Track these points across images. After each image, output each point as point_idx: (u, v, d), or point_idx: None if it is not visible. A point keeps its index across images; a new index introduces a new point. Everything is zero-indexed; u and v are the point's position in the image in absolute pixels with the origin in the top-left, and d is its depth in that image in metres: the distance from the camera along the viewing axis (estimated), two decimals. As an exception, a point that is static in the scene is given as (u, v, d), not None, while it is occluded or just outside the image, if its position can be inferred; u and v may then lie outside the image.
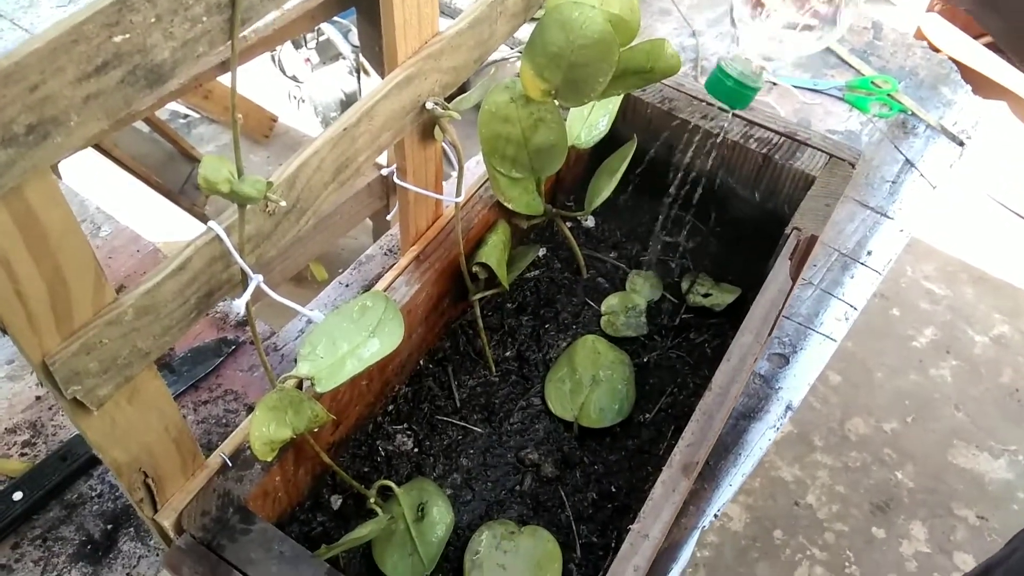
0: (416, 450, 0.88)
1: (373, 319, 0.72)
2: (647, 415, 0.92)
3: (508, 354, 0.97)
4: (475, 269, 0.86)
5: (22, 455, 0.91)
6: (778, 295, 0.85)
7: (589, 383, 0.93)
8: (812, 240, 0.89)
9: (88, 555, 0.83)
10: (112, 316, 0.52)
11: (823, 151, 0.98)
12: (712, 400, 0.76)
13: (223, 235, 0.57)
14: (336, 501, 0.83)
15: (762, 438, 0.96)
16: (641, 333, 1.00)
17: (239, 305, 0.56)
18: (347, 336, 0.70)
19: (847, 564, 1.89)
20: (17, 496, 0.84)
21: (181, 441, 0.65)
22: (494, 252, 0.88)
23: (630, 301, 1.02)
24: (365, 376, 0.82)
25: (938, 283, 2.37)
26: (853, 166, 0.96)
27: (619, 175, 0.92)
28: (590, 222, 1.12)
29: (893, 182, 1.27)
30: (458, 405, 0.92)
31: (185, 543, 0.65)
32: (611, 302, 1.02)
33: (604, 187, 0.94)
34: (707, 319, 1.02)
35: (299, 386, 0.70)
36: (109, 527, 0.84)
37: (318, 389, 0.67)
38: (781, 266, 0.87)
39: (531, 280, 1.04)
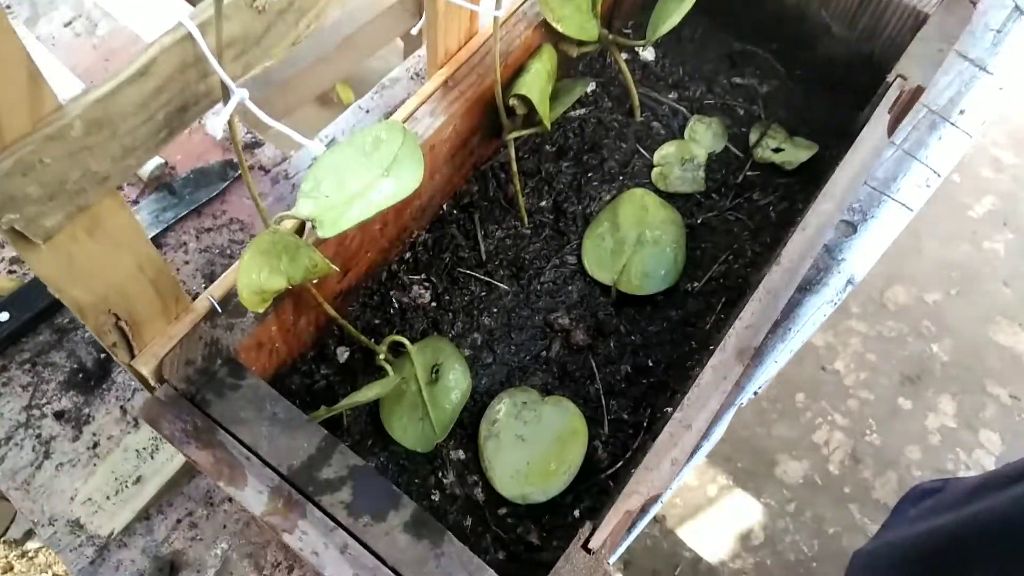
0: (434, 304, 0.80)
1: (388, 155, 0.61)
2: (695, 284, 0.82)
3: (543, 204, 0.86)
4: (512, 102, 0.74)
5: (10, 272, 0.84)
6: (870, 155, 0.72)
7: (633, 243, 0.82)
8: (917, 92, 0.74)
9: (80, 384, 0.77)
10: (54, 130, 0.42)
11: (945, -18, 0.81)
12: (779, 276, 0.65)
13: (196, 33, 0.45)
14: (343, 354, 0.76)
15: (817, 312, 0.86)
16: (697, 189, 0.88)
17: (215, 126, 0.45)
18: (357, 173, 0.60)
19: (868, 432, 1.86)
20: (3, 316, 0.78)
21: (160, 282, 0.56)
22: (536, 83, 0.75)
23: (688, 152, 0.89)
24: (379, 220, 0.72)
25: (1006, 150, 2.17)
26: (975, 4, 0.80)
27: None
28: (649, 54, 0.97)
29: (998, 31, 1.08)
30: (483, 258, 0.82)
31: (165, 394, 0.58)
32: (666, 151, 0.90)
33: (672, 13, 0.78)
34: (775, 178, 0.89)
35: (300, 229, 0.61)
36: (102, 356, 0.78)
37: (320, 233, 0.57)
38: (878, 121, 0.74)
39: (576, 120, 0.91)
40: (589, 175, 0.88)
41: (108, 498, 0.70)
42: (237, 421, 0.58)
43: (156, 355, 0.59)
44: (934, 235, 2.04)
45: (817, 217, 0.69)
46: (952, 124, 0.99)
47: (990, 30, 1.08)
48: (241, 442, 0.57)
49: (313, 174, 0.59)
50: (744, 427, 1.70)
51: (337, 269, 0.55)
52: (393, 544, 0.55)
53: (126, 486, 0.71)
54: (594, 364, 0.77)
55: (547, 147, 0.89)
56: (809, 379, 1.81)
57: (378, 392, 0.66)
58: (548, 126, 0.76)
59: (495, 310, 0.80)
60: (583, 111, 0.92)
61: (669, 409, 0.69)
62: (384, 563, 0.54)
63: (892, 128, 0.75)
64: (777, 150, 0.90)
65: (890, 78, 0.75)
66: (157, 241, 0.85)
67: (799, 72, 0.95)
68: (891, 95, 0.74)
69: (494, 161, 0.87)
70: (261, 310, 0.57)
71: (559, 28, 0.75)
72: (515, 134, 0.77)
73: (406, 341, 0.72)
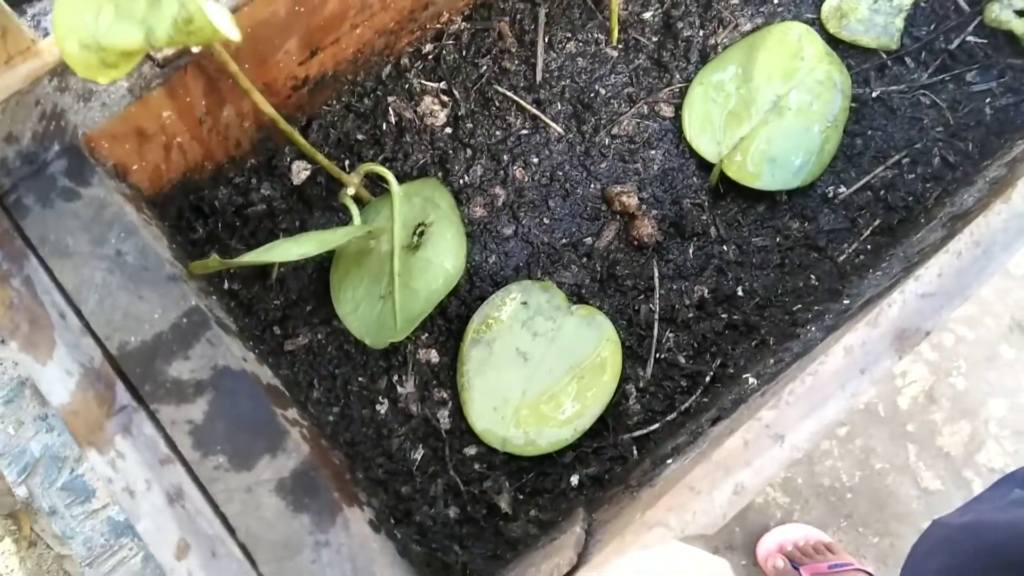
0: (448, 131, 0.55)
1: None
2: (842, 189, 0.55)
3: (647, 16, 0.58)
4: None
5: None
6: None
7: (766, 107, 0.55)
8: None
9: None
10: None
11: None
12: (1005, 221, 0.39)
13: None
14: (301, 171, 0.53)
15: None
16: (887, 46, 0.58)
17: None
18: None
19: (955, 372, 1.62)
20: None
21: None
22: None
23: (888, -16, 0.59)
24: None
25: None
26: None
27: None
28: None
29: None
30: (537, 79, 0.56)
31: (-42, 184, 0.37)
32: (855, -24, 0.59)
33: None
34: (1008, 56, 0.59)
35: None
36: None
37: None
38: None
39: None
40: (728, -13, 0.59)
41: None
42: (61, 251, 0.36)
43: (-40, 114, 0.37)
44: None
45: (1099, 134, 0.40)
46: None
47: None
48: (59, 286, 0.36)
49: None
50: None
51: (231, 38, 0.31)
52: (254, 509, 0.35)
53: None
54: (657, 273, 0.53)
55: (676, -70, 0.60)
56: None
57: (318, 246, 0.44)
58: None
59: (536, 160, 0.55)
60: None
61: (750, 378, 0.45)
62: (232, 534, 0.34)
63: None
64: (1022, 13, 0.59)
65: None
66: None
67: None
68: None
69: (591, -66, 0.59)
70: (105, 81, 0.33)
71: None
72: None
73: (390, 176, 0.49)
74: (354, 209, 0.49)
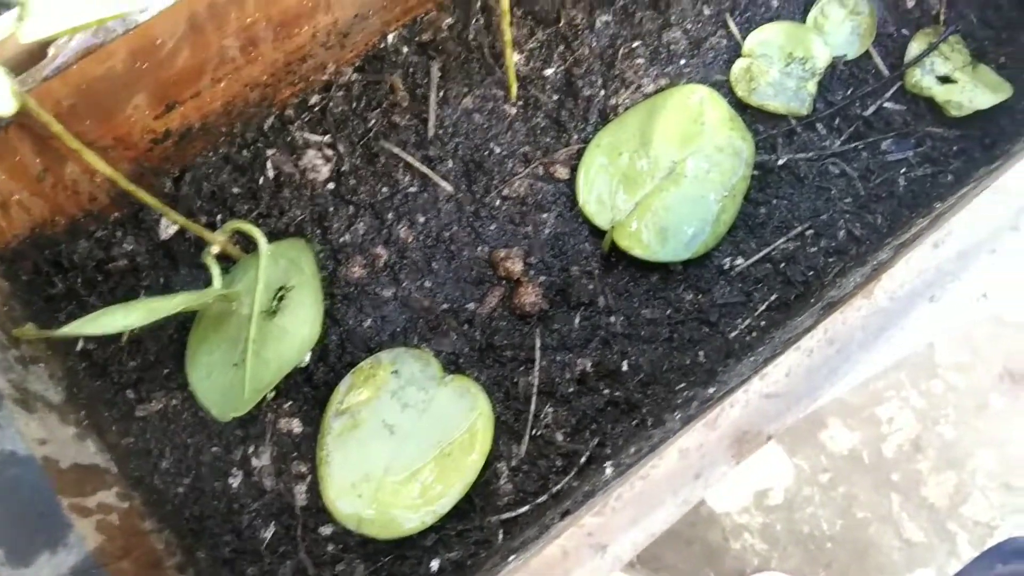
0: (331, 186, 0.54)
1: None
2: (740, 260, 0.54)
3: (549, 73, 0.57)
4: None
5: None
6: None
7: (663, 174, 0.53)
8: None
9: None
10: None
11: None
12: (864, 317, 0.37)
13: None
14: (168, 226, 0.52)
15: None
16: (796, 111, 0.57)
17: None
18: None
19: (942, 421, 1.60)
20: None
21: None
22: None
23: (803, 46, 0.58)
24: (233, 30, 0.45)
25: None
26: None
27: None
28: None
29: None
30: (429, 134, 0.55)
31: None
32: (767, 36, 0.58)
33: None
34: (928, 124, 0.58)
35: None
36: None
37: (22, 33, 0.31)
38: None
39: (643, -49, 0.60)
40: (634, 45, 0.58)
41: None
42: None
43: None
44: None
45: (970, 227, 0.39)
46: None
47: None
48: None
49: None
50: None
51: (3, 112, 0.30)
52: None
53: None
54: (539, 343, 0.51)
55: (584, -17, 0.59)
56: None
57: (147, 315, 0.42)
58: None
59: (422, 219, 0.54)
60: (660, -60, 0.60)
61: (608, 468, 0.43)
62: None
63: None
64: (945, 79, 0.57)
65: None
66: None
67: (1029, -40, 0.60)
68: None
69: (493, -14, 0.58)
70: None
71: None
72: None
73: (259, 235, 0.47)
74: (215, 270, 0.47)
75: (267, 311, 0.48)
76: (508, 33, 0.52)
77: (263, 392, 0.45)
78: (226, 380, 0.47)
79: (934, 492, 1.64)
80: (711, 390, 0.43)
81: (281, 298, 0.48)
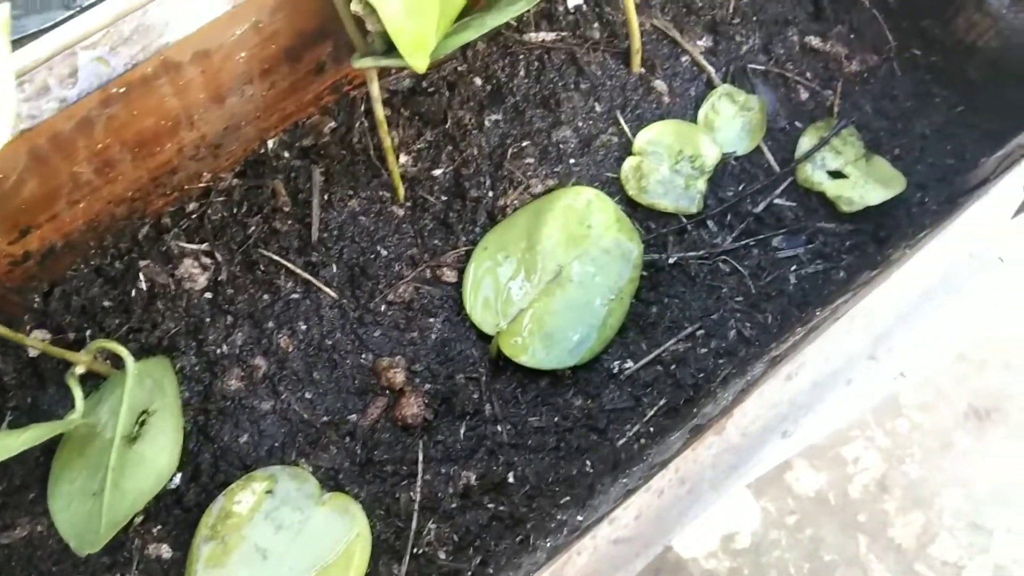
0: (208, 296, 0.53)
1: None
2: (629, 363, 0.53)
3: (437, 173, 0.57)
4: (356, 8, 0.43)
5: None
6: (966, 247, 0.41)
7: (549, 278, 0.53)
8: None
9: None
10: None
11: None
12: (712, 456, 0.37)
13: None
14: (38, 340, 0.50)
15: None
16: (686, 210, 0.57)
17: None
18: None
19: (908, 460, 1.60)
20: None
21: None
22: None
23: (692, 144, 0.58)
24: (84, 153, 0.44)
25: None
26: None
27: None
28: (689, -31, 0.63)
29: None
30: (312, 239, 0.54)
31: None
32: (656, 135, 0.58)
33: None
34: (820, 220, 0.58)
35: None
36: None
37: None
38: (1007, 188, 0.42)
39: (534, 49, 0.60)
40: (524, 144, 0.58)
41: None
42: None
43: None
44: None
45: (824, 357, 0.38)
46: None
47: None
48: None
49: None
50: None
51: None
52: None
53: None
54: (421, 456, 0.50)
55: (474, 81, 0.59)
56: (859, 383, 1.51)
57: (28, 438, 0.41)
58: (422, 65, 0.45)
59: (304, 327, 0.53)
60: (552, 35, 0.60)
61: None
62: None
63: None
64: (836, 175, 0.58)
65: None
66: None
67: (917, 52, 0.61)
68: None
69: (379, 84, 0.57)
70: None
71: None
72: (372, 63, 0.46)
73: (124, 353, 0.46)
74: (77, 392, 0.46)
75: (128, 436, 0.46)
76: (387, 140, 0.51)
77: (119, 525, 0.44)
78: (85, 511, 0.45)
79: (901, 533, 1.64)
80: (579, 518, 0.43)
81: (143, 423, 0.47)
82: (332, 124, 0.56)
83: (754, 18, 0.62)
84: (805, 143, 0.59)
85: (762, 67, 0.61)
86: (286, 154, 0.55)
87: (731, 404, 0.39)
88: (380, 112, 0.49)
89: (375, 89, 0.48)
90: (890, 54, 0.62)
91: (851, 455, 1.81)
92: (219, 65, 0.44)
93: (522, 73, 0.59)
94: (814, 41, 0.61)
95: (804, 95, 0.61)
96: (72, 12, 0.53)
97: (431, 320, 0.54)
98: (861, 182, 0.57)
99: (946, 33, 0.58)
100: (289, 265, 0.53)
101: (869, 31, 0.62)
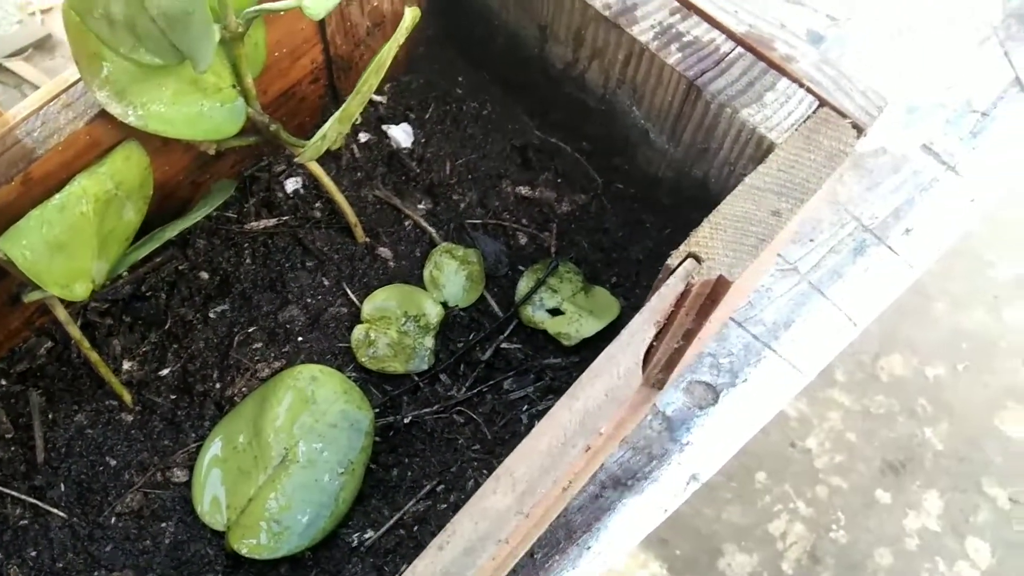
0: (-73, 541, 0.52)
1: None
2: (370, 533, 0.54)
3: (164, 373, 0.59)
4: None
5: None
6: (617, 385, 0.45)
7: (276, 463, 0.55)
8: (720, 286, 0.47)
9: None
10: None
11: (810, 91, 0.53)
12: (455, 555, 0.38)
13: None
14: None
15: (629, 528, 0.59)
16: (417, 368, 0.60)
17: None
18: None
19: (834, 527, 1.61)
20: None
21: None
22: (42, 228, 0.46)
23: (414, 303, 0.62)
24: None
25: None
26: (861, 132, 0.52)
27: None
28: (404, 135, 0.69)
29: (984, 114, 0.80)
30: (38, 460, 0.55)
31: None
32: (380, 301, 0.62)
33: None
34: (547, 356, 0.62)
35: None
36: None
37: None
38: (633, 338, 0.46)
39: (258, 236, 0.63)
40: (251, 330, 0.60)
41: None
42: None
43: None
44: (946, 296, 1.71)
45: (473, 524, 0.41)
46: (889, 247, 0.71)
47: (972, 112, 0.79)
48: None
49: None
50: (688, 506, 1.42)
51: None
52: None
53: None
54: (159, 672, 0.50)
55: (199, 276, 0.62)
56: (774, 455, 1.53)
57: None
58: (83, 294, 0.47)
59: (33, 554, 0.53)
60: (274, 221, 0.64)
61: None
62: None
63: (654, 370, 0.47)
64: (555, 311, 0.62)
65: (672, 259, 0.46)
66: None
67: (620, 186, 0.67)
68: (666, 294, 0.45)
69: (98, 299, 0.60)
70: None
71: (151, 129, 0.47)
72: (40, 295, 0.48)
73: None
74: None
75: None
76: (92, 354, 0.53)
77: None
78: None
79: (842, 602, 1.64)
80: None
81: None
82: (49, 344, 0.57)
83: (469, 176, 0.67)
84: (522, 286, 0.63)
85: (480, 220, 0.66)
86: (3, 382, 0.56)
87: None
88: (76, 331, 0.51)
89: (62, 314, 0.50)
90: (597, 191, 0.67)
91: (778, 530, 1.83)
92: None
93: (248, 260, 0.62)
94: (524, 190, 0.67)
95: (524, 240, 0.66)
96: None
97: (163, 525, 0.54)
98: (576, 316, 0.62)
99: (634, 168, 0.64)
100: (14, 493, 0.54)
101: (576, 173, 0.68)
